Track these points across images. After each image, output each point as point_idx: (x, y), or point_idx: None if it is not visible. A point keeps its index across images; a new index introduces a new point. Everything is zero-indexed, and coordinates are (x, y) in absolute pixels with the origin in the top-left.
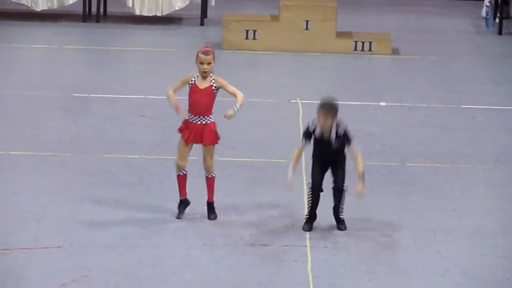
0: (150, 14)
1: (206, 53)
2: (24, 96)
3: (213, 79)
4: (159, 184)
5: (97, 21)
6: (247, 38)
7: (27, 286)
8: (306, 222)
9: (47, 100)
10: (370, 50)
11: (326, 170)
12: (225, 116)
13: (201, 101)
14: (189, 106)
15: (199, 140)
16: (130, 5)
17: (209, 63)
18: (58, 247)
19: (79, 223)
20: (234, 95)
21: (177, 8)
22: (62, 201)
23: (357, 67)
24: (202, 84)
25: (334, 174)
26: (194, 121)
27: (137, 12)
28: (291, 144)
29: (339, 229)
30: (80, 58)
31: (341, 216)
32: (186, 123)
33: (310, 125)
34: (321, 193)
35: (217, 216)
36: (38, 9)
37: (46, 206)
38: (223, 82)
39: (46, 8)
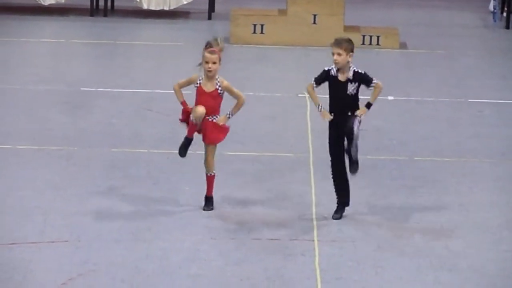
0: (158, 8)
1: (211, 52)
2: (31, 90)
3: (218, 81)
4: (167, 178)
5: (105, 15)
6: (254, 32)
7: (34, 280)
8: (338, 198)
9: (54, 94)
10: (377, 44)
11: (340, 129)
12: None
13: (208, 104)
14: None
15: (202, 137)
16: None
17: (214, 63)
18: (65, 241)
19: (86, 217)
20: (237, 99)
21: (185, 2)
22: (69, 195)
23: (365, 61)
24: (208, 87)
25: (346, 137)
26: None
27: (145, 6)
28: (298, 138)
29: (350, 171)
30: (87, 53)
31: (353, 157)
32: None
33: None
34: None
35: (213, 208)
36: (45, 3)
37: (53, 200)
38: (228, 85)
39: (53, 2)
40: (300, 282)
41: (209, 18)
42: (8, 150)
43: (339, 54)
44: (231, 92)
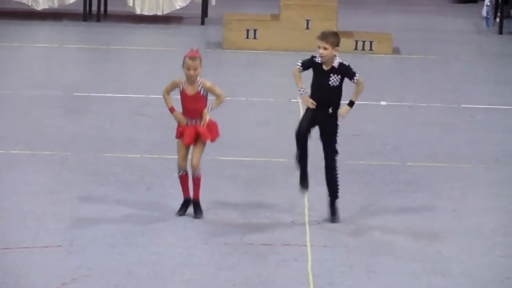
0: (151, 13)
1: (193, 58)
2: (24, 95)
3: (200, 82)
4: (160, 183)
5: (98, 20)
6: (247, 37)
7: (28, 285)
8: (299, 182)
9: (48, 99)
10: (370, 49)
11: (316, 122)
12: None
13: (193, 107)
14: (183, 111)
15: (195, 138)
16: (131, 4)
17: (195, 69)
18: (59, 246)
19: (80, 222)
20: (217, 97)
21: (178, 8)
22: (62, 200)
23: (358, 67)
24: (190, 90)
25: (322, 138)
26: (188, 123)
27: (138, 11)
28: (291, 144)
29: (331, 221)
30: (80, 57)
31: (337, 193)
32: (182, 127)
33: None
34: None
35: (202, 215)
36: (38, 8)
37: (46, 205)
38: (209, 85)
39: (46, 7)
40: None
41: (202, 23)
42: (1, 155)
43: (325, 48)
44: (213, 91)
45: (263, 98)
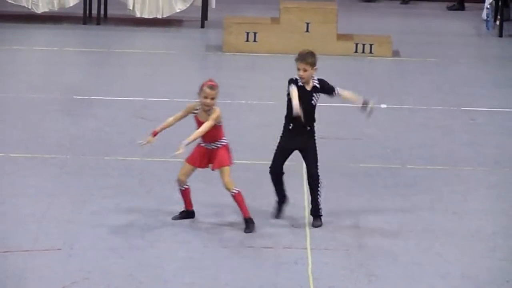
0: (151, 17)
1: (211, 87)
2: (24, 98)
3: (214, 111)
4: (160, 186)
5: (98, 23)
6: (247, 40)
7: None
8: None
9: (48, 102)
10: (370, 52)
11: (295, 147)
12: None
13: (207, 133)
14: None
15: (209, 163)
16: (131, 7)
17: (212, 98)
18: (59, 249)
19: (80, 225)
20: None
21: (178, 11)
22: (62, 203)
23: (358, 70)
24: (203, 117)
25: (305, 158)
26: (206, 147)
27: (138, 15)
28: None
29: (313, 226)
30: (80, 60)
31: (320, 212)
32: (198, 149)
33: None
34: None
35: (252, 230)
36: (38, 11)
37: (46, 208)
38: (220, 115)
39: (46, 10)
40: None
41: (202, 26)
42: (1, 158)
43: (305, 70)
44: (212, 121)
45: (263, 101)
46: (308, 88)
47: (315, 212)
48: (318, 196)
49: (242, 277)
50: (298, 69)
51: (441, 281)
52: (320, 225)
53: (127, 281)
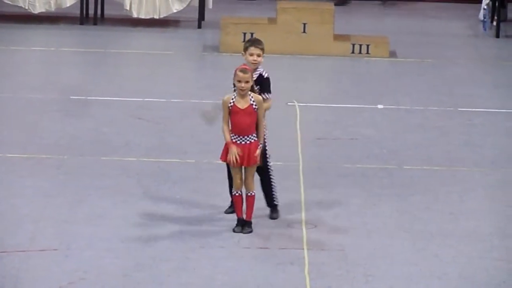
0: (148, 17)
1: (244, 70)
2: (21, 99)
3: (251, 96)
4: (157, 187)
5: (95, 23)
6: (244, 41)
7: None
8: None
9: (44, 103)
10: (367, 53)
11: None
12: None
13: (243, 121)
14: (232, 127)
15: (243, 161)
16: (128, 7)
17: (247, 82)
18: (55, 249)
19: (76, 225)
20: (259, 122)
21: (175, 11)
22: (59, 203)
23: (355, 70)
24: (242, 104)
25: None
26: (238, 141)
27: (135, 15)
28: (288, 147)
29: (271, 218)
30: (77, 61)
31: (274, 201)
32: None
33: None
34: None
35: (252, 230)
36: (35, 11)
37: (43, 208)
38: (261, 100)
39: (43, 10)
40: None
41: (199, 26)
42: None
43: (258, 55)
44: (260, 110)
45: None
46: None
47: (271, 202)
48: (273, 188)
49: (239, 278)
50: (252, 54)
51: (438, 281)
52: (277, 217)
53: (124, 281)
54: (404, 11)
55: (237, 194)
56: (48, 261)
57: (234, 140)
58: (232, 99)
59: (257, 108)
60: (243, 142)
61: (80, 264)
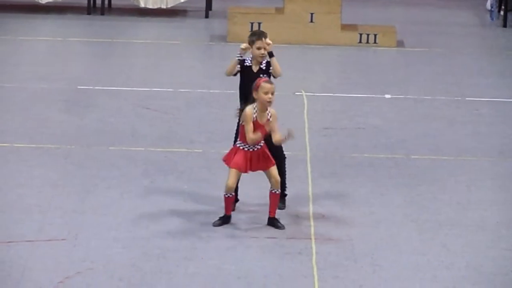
0: (155, 7)
1: (269, 81)
2: (28, 89)
3: (269, 111)
4: (164, 176)
5: (102, 13)
6: (252, 30)
7: (32, 278)
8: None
9: (52, 93)
10: (375, 42)
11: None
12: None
13: (264, 134)
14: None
15: (259, 167)
16: None
17: (273, 93)
18: (63, 239)
19: (84, 215)
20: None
21: (182, 1)
22: (67, 193)
23: (362, 60)
24: (262, 119)
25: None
26: (248, 149)
27: (142, 5)
28: (295, 137)
29: (278, 208)
30: (84, 51)
31: (284, 191)
32: (237, 152)
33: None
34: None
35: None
36: (42, 1)
37: (50, 198)
38: (276, 115)
39: (50, 0)
40: (297, 281)
41: (207, 16)
42: (5, 148)
43: (264, 48)
44: (274, 122)
45: None
46: (255, 69)
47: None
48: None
49: (246, 268)
50: (259, 48)
51: (446, 271)
52: (283, 207)
53: (131, 271)
54: (412, 0)
55: (229, 196)
56: (55, 251)
57: (242, 148)
58: (254, 113)
59: (271, 121)
60: (254, 149)
61: (88, 254)
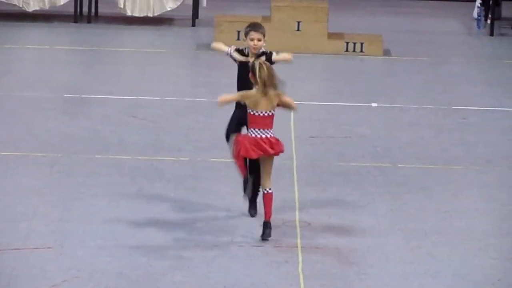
0: (142, 15)
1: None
2: (15, 97)
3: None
4: (151, 184)
5: (89, 21)
6: (238, 39)
7: (18, 286)
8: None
9: (38, 101)
10: (361, 51)
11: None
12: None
13: (266, 119)
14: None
15: (271, 150)
16: (122, 5)
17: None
18: (49, 247)
19: (70, 223)
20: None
21: (169, 9)
22: (53, 201)
23: (349, 68)
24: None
25: None
26: (260, 135)
27: (129, 13)
28: (284, 145)
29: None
30: (71, 59)
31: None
32: (248, 140)
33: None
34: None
35: (270, 234)
36: (29, 9)
37: (37, 206)
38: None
39: (37, 8)
40: None
41: (193, 25)
42: None
43: (259, 40)
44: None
45: None
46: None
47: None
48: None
49: (233, 276)
50: (252, 39)
51: (432, 280)
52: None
53: (117, 280)
54: (398, 9)
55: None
56: (42, 259)
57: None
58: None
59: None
60: (263, 136)
61: (74, 263)
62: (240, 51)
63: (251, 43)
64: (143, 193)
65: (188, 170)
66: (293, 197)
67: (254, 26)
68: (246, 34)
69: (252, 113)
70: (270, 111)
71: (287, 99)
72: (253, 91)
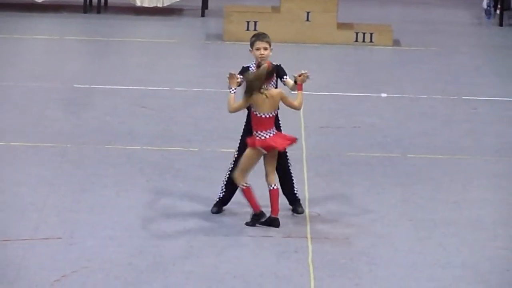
0: (151, 5)
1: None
2: (25, 87)
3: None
4: (160, 175)
5: (98, 12)
6: (248, 29)
7: (28, 277)
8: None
9: (48, 91)
10: (371, 41)
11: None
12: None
13: (269, 121)
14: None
15: (280, 144)
16: None
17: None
18: (59, 238)
19: (80, 214)
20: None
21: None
22: (63, 192)
23: (358, 59)
24: (266, 108)
25: None
26: (264, 135)
27: (138, 3)
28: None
29: (298, 212)
30: (81, 49)
31: (297, 195)
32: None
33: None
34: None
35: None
36: (39, 0)
37: (46, 197)
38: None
39: None
40: (293, 279)
41: (203, 15)
42: (1, 147)
43: (265, 48)
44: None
45: None
46: None
47: (293, 196)
48: (292, 181)
49: (242, 266)
50: (258, 49)
51: (441, 270)
52: (302, 211)
53: (127, 270)
54: None
55: (246, 186)
56: (51, 249)
57: (258, 137)
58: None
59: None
60: (270, 135)
61: (84, 253)
62: (245, 69)
63: (258, 52)
64: (152, 184)
65: (198, 160)
66: (303, 188)
67: (258, 36)
68: (252, 45)
69: (258, 115)
70: (273, 112)
71: (290, 100)
72: (257, 94)
